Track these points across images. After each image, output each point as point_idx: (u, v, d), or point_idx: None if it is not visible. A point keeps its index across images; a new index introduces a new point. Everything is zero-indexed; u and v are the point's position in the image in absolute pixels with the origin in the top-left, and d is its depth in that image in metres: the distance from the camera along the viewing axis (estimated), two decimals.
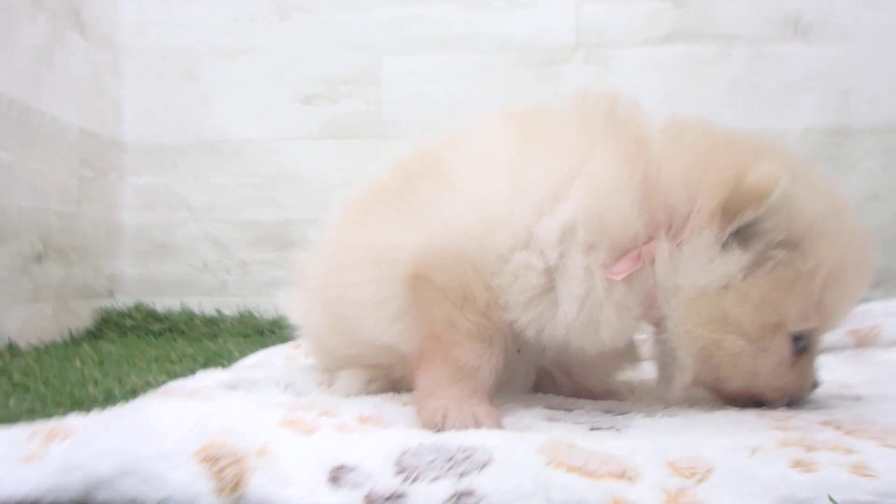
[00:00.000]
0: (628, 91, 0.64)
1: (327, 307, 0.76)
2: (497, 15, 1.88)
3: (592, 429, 0.55)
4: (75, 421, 0.53)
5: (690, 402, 0.64)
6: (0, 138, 1.35)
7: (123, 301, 1.84)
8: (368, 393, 0.74)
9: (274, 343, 1.33)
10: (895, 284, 1.74)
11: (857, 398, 0.67)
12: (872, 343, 1.01)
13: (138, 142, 1.91)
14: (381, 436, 0.52)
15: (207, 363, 1.17)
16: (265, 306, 1.83)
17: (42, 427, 0.51)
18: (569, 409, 0.63)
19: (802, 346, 0.60)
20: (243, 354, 1.18)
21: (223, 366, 1.04)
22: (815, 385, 0.64)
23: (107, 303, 1.79)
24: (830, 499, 0.39)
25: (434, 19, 1.89)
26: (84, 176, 1.68)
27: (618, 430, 0.54)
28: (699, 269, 0.56)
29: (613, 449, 0.47)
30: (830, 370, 0.86)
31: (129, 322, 1.74)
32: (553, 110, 0.67)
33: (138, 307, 1.81)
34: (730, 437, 0.48)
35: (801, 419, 0.55)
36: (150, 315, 1.78)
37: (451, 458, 0.45)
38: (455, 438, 0.49)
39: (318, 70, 1.91)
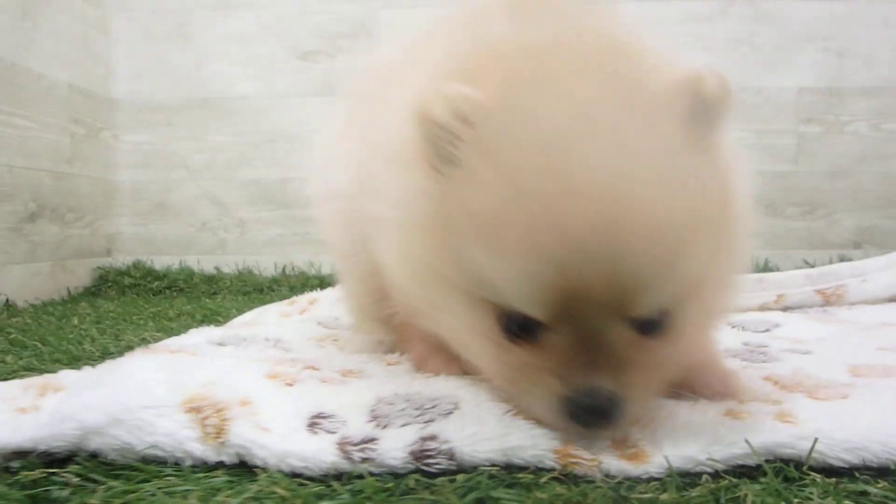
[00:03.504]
0: None
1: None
2: None
3: None
4: (67, 376, 0.56)
5: None
6: None
7: (122, 260, 1.86)
8: (381, 352, 0.76)
9: (273, 300, 1.35)
10: (878, 244, 1.77)
11: (806, 353, 0.72)
12: (837, 303, 1.06)
13: (130, 99, 1.90)
14: (357, 386, 0.55)
15: (204, 320, 1.19)
16: (264, 264, 1.86)
17: (36, 381, 0.54)
18: None
19: (523, 331, 0.44)
20: (241, 312, 1.20)
21: (219, 323, 1.06)
22: (595, 406, 0.42)
23: (105, 262, 1.82)
24: (746, 441, 0.43)
25: None
26: (76, 134, 1.69)
27: None
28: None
29: None
30: (795, 326, 0.92)
31: (127, 280, 1.76)
32: None
33: (137, 265, 1.84)
34: None
35: (747, 377, 0.59)
36: (149, 273, 1.81)
37: (419, 407, 0.48)
38: (426, 390, 0.51)
39: (316, 25, 1.88)
